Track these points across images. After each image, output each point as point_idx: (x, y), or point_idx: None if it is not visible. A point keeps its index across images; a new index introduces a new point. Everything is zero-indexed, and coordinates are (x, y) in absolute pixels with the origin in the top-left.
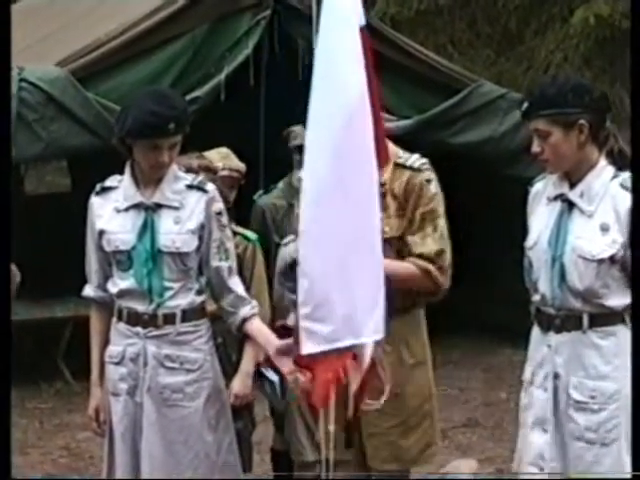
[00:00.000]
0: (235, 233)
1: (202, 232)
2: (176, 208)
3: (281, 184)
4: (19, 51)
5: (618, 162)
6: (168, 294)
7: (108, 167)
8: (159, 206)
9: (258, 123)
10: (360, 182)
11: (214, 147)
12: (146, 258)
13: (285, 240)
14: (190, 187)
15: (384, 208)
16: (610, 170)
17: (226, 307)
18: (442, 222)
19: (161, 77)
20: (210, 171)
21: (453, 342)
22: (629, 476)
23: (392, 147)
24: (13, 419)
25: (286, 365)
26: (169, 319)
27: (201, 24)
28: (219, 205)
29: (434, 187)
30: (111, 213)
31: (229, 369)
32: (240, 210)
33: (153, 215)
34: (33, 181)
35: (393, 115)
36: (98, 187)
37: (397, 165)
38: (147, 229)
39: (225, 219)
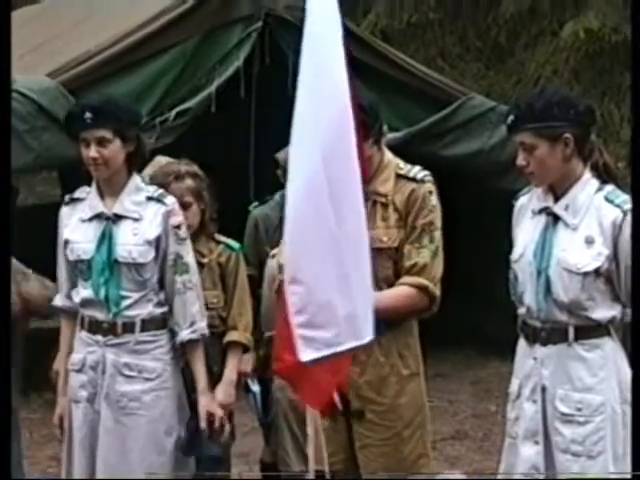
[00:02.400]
0: (218, 242)
1: (159, 244)
2: (135, 219)
3: (277, 196)
4: None
5: (603, 175)
6: (125, 303)
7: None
8: (119, 217)
9: (249, 135)
10: (347, 187)
11: (205, 158)
12: (102, 268)
13: (273, 252)
14: (150, 199)
15: (385, 219)
16: (594, 183)
17: (173, 322)
18: (439, 234)
19: (152, 89)
20: (197, 177)
21: (442, 355)
22: (629, 476)
23: (392, 159)
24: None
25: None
26: (128, 328)
27: (192, 36)
28: (178, 219)
29: (435, 199)
30: (76, 223)
31: (209, 380)
32: (227, 220)
33: (112, 226)
34: (24, 191)
35: None
36: (67, 198)
37: (399, 176)
38: (105, 239)
39: (184, 232)
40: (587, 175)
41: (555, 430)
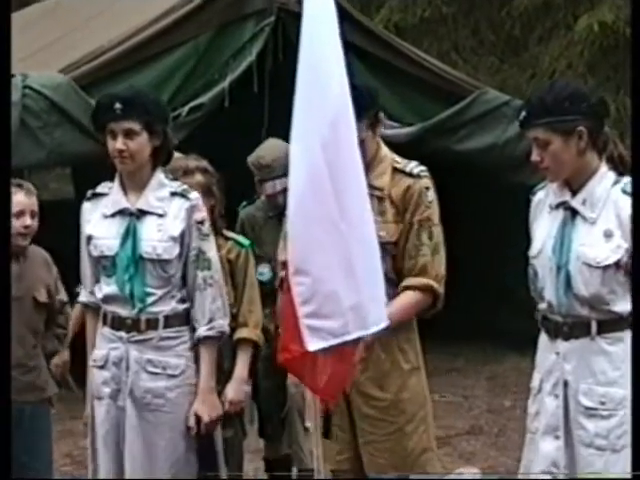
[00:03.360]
0: (228, 238)
1: (183, 239)
2: (160, 215)
3: (264, 196)
4: (22, 58)
5: (619, 167)
6: (150, 300)
7: (111, 174)
8: (143, 212)
9: (262, 130)
10: (349, 177)
11: (218, 153)
12: (127, 264)
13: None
14: (174, 194)
15: (382, 213)
16: (611, 176)
17: (193, 318)
18: (438, 231)
19: (165, 84)
20: (207, 173)
21: (457, 350)
22: (629, 476)
23: (389, 153)
24: None
25: (205, 414)
26: (152, 324)
27: (205, 31)
28: (201, 214)
29: (431, 195)
30: (99, 219)
31: (220, 376)
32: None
33: (136, 221)
34: (37, 188)
35: (397, 122)
36: (89, 193)
37: (396, 170)
38: (129, 235)
39: (207, 229)
40: (603, 168)
41: (578, 424)
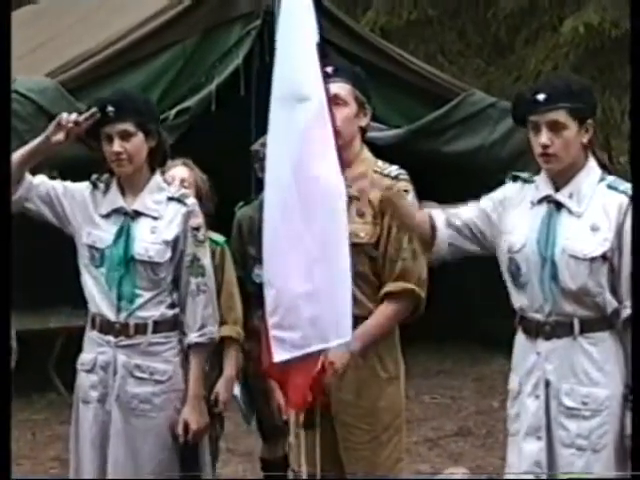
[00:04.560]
0: None
1: (176, 244)
2: (154, 218)
3: (261, 196)
4: None
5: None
6: (138, 302)
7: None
8: (138, 214)
9: (249, 133)
10: (323, 190)
11: (205, 157)
12: (118, 263)
13: None
14: (171, 199)
15: (361, 214)
16: (597, 171)
17: (184, 324)
18: None
19: (152, 87)
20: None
21: (445, 351)
22: (629, 476)
23: (370, 157)
24: None
25: (194, 422)
26: (140, 329)
27: (192, 34)
28: (197, 220)
29: (411, 198)
30: (95, 215)
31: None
32: (227, 219)
33: (131, 222)
34: None
35: (383, 124)
36: (94, 177)
37: (375, 173)
38: (122, 234)
39: (202, 235)
40: (591, 163)
41: (559, 425)
